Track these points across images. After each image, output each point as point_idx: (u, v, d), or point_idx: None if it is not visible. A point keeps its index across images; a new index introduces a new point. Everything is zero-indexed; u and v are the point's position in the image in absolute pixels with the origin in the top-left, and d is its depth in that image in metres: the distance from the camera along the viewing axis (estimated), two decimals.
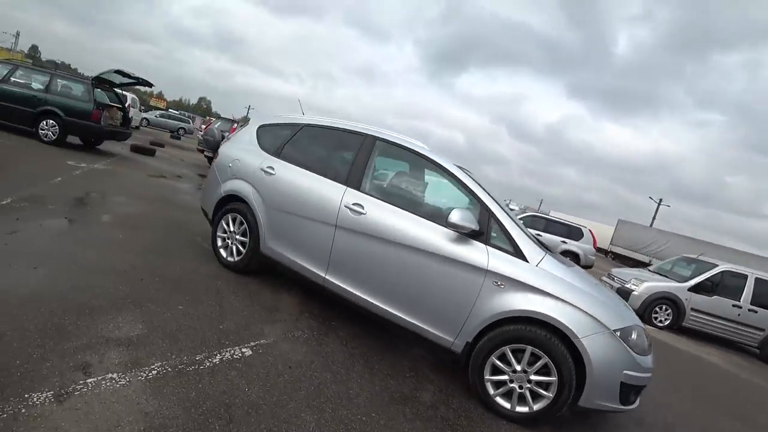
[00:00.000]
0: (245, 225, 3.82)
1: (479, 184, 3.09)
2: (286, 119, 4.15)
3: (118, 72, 7.95)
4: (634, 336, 2.61)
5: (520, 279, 2.62)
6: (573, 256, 11.74)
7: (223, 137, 10.92)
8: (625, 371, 2.52)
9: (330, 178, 3.47)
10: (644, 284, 7.99)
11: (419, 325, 2.85)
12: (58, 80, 7.82)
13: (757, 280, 7.87)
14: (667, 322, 7.83)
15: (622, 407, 2.60)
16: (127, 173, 7.40)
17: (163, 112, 28.23)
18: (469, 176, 3.17)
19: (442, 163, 3.19)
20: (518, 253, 2.72)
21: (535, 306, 2.57)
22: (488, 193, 3.04)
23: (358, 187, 3.31)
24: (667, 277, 8.59)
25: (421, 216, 2.99)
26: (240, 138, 4.24)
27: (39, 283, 2.62)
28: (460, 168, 3.25)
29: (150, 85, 8.60)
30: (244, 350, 2.56)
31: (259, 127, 4.16)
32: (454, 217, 2.71)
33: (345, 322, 3.41)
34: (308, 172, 3.60)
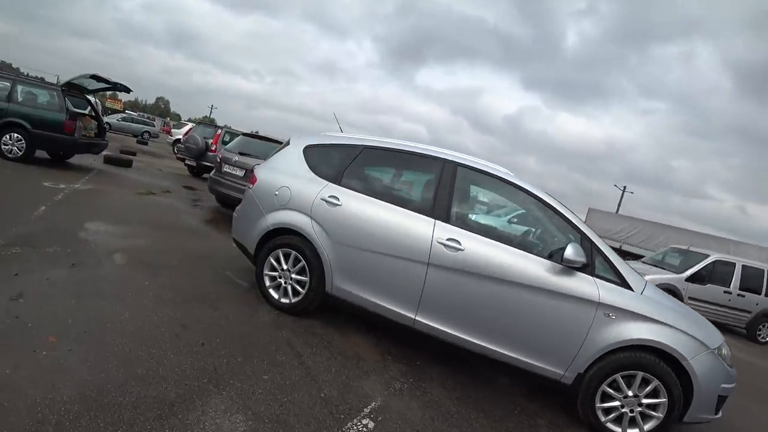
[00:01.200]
0: (303, 262, 3.21)
1: (571, 212, 2.87)
2: (337, 139, 3.55)
3: (94, 77, 6.84)
4: (725, 351, 2.76)
5: (630, 309, 2.60)
6: None
7: (206, 144, 9.93)
8: (722, 385, 2.66)
9: (412, 210, 3.02)
10: (646, 277, 8.09)
11: (525, 360, 2.72)
12: (21, 87, 6.58)
13: (744, 267, 8.30)
14: None
15: (716, 417, 2.74)
16: (112, 192, 6.38)
17: (124, 115, 25.63)
18: (560, 203, 2.93)
19: (533, 192, 2.95)
20: (624, 283, 2.69)
21: (646, 334, 2.58)
22: (583, 222, 2.85)
23: (447, 220, 2.91)
24: (663, 268, 8.75)
25: (519, 248, 2.79)
26: (282, 160, 3.58)
27: (83, 375, 1.91)
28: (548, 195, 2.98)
29: (128, 90, 7.51)
30: (364, 421, 2.18)
31: (306, 148, 3.52)
32: (570, 252, 2.57)
33: (427, 360, 3.11)
34: (382, 202, 3.10)
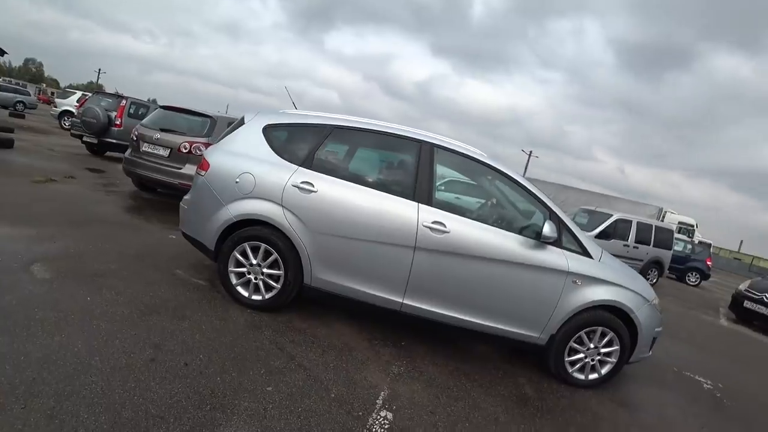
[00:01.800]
0: (275, 255, 2.95)
1: (537, 189, 3.06)
2: (301, 118, 3.22)
3: None
4: (656, 301, 3.24)
5: (592, 275, 2.94)
6: None
7: (109, 118, 8.45)
8: (655, 329, 3.17)
9: (392, 194, 2.93)
10: None
11: (506, 329, 2.93)
12: None
13: (638, 223, 9.81)
14: None
15: (649, 354, 3.26)
16: (1, 182, 5.15)
17: None
18: (528, 181, 3.11)
19: (506, 172, 3.07)
20: (585, 252, 2.99)
21: (606, 295, 2.95)
22: (550, 199, 3.06)
23: (430, 203, 2.90)
24: None
25: (496, 226, 2.93)
26: (239, 142, 3.14)
27: None
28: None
29: (2, 53, 5.89)
30: (383, 414, 2.19)
31: (267, 128, 3.13)
32: (547, 230, 2.79)
33: (411, 340, 3.19)
34: (361, 186, 2.94)
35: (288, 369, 2.37)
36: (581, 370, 3.07)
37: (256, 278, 3.03)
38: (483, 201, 3.32)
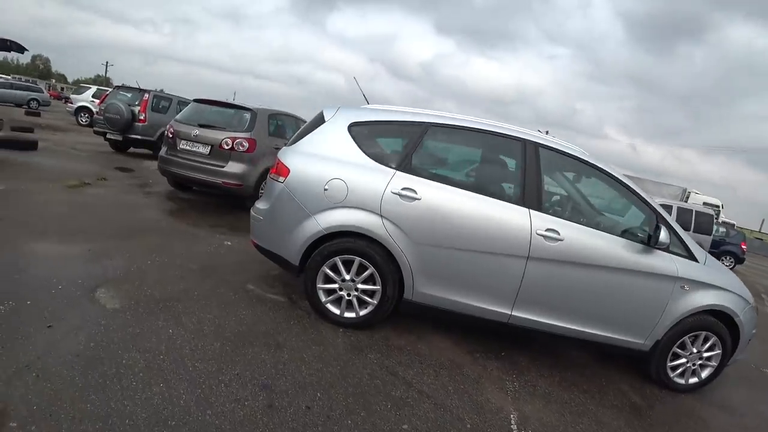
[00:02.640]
0: (371, 269, 2.56)
1: (643, 191, 2.80)
2: (390, 115, 2.79)
3: None
4: (753, 302, 3.03)
5: (700, 279, 2.73)
6: None
7: (132, 113, 7.99)
8: (753, 330, 2.96)
9: (500, 199, 2.57)
10: None
11: (613, 336, 2.73)
12: None
13: (678, 209, 9.65)
14: None
15: (746, 357, 3.12)
16: (34, 189, 4.72)
17: (2, 80, 19.51)
18: (633, 183, 2.79)
19: (612, 173, 2.78)
20: (691, 256, 2.77)
21: (712, 300, 2.75)
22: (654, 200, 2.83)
23: (540, 208, 2.55)
24: None
25: (606, 231, 2.69)
26: (322, 143, 2.70)
27: None
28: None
29: (22, 49, 5.42)
30: None
31: (352, 126, 2.68)
32: (663, 236, 2.55)
33: (510, 350, 2.95)
34: (468, 192, 2.55)
35: (411, 399, 2.09)
36: (682, 374, 2.88)
37: (349, 294, 2.65)
38: (587, 203, 2.94)
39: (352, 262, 2.59)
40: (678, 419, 2.59)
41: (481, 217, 2.53)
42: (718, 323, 2.78)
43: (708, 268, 2.79)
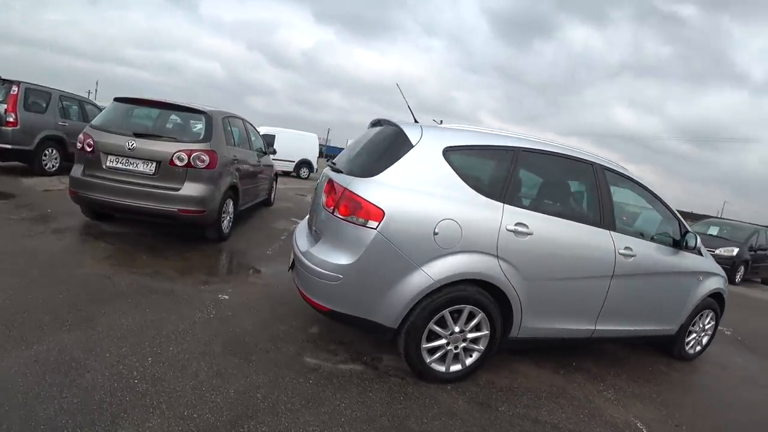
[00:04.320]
0: (480, 314, 2.29)
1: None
2: (482, 138, 2.46)
3: None
4: None
5: (707, 270, 3.29)
6: None
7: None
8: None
9: (586, 223, 2.61)
10: None
11: (656, 328, 3.11)
12: None
13: None
14: None
15: None
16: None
17: None
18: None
19: (652, 190, 3.03)
20: (699, 252, 3.22)
21: (715, 284, 3.35)
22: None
23: (615, 228, 2.69)
24: None
25: (654, 242, 2.97)
26: (417, 173, 2.20)
27: None
28: None
29: None
30: None
31: (448, 152, 2.25)
32: (693, 242, 3.01)
33: (577, 359, 3.07)
34: (563, 220, 2.50)
35: None
36: (692, 347, 3.48)
37: (456, 347, 2.32)
38: (638, 218, 3.27)
39: (460, 311, 2.25)
40: (701, 372, 3.42)
41: (578, 244, 2.52)
42: (714, 302, 3.41)
43: (708, 260, 3.33)
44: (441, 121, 2.58)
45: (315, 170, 15.59)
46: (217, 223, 4.21)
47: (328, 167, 2.74)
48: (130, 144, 3.67)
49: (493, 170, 2.38)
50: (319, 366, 2.31)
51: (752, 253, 9.57)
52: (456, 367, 2.36)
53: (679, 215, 3.11)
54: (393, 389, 2.22)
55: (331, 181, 2.39)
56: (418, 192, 2.16)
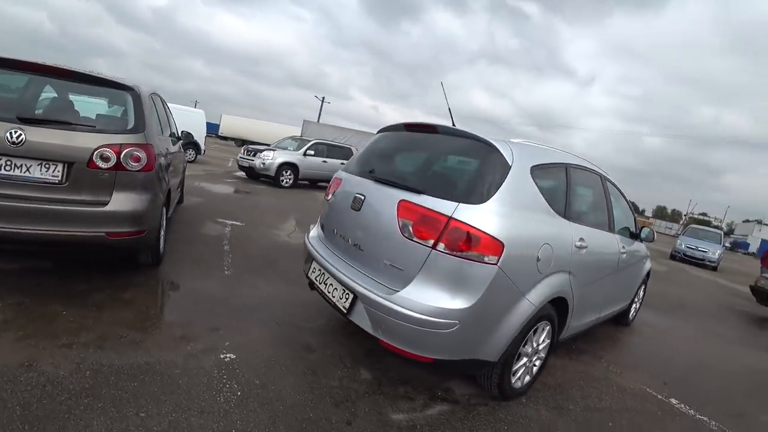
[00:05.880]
0: (549, 326, 2.41)
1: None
2: (551, 155, 2.47)
3: None
4: None
5: (645, 253, 4.00)
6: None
7: None
8: None
9: (605, 230, 2.96)
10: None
11: (622, 306, 3.70)
12: None
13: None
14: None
15: None
16: None
17: None
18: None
19: (620, 189, 3.42)
20: (641, 239, 3.58)
21: (649, 264, 4.23)
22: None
23: (615, 231, 3.14)
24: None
25: (627, 236, 3.37)
26: (516, 197, 2.02)
27: None
28: None
29: None
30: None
31: (534, 171, 2.15)
32: (650, 235, 3.53)
33: (575, 344, 3.41)
34: (596, 229, 2.76)
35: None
36: (633, 315, 4.22)
37: (531, 363, 2.36)
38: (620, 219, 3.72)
39: (537, 329, 2.28)
40: (638, 332, 4.12)
41: (605, 251, 2.87)
42: (646, 277, 4.21)
43: (644, 245, 3.82)
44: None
45: (203, 152, 13.08)
46: (156, 244, 3.10)
47: (360, 177, 2.36)
48: (15, 135, 2.28)
49: (556, 187, 2.39)
50: (412, 420, 2.00)
51: None
52: (527, 380, 2.41)
53: (633, 213, 3.66)
54: (490, 419, 2.12)
55: (409, 204, 2.01)
56: (521, 218, 2.00)
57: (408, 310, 1.84)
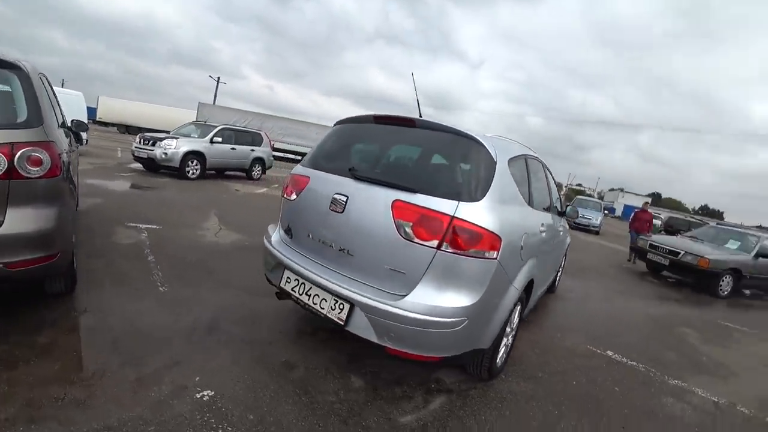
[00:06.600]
0: (519, 305, 2.62)
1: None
2: (519, 147, 2.64)
3: None
4: None
5: (567, 228, 4.46)
6: (260, 162, 11.45)
7: None
8: None
9: (550, 212, 3.25)
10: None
11: (552, 279, 4.20)
12: None
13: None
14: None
15: None
16: None
17: None
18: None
19: (551, 172, 3.74)
20: (564, 215, 3.98)
21: (569, 237, 4.84)
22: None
23: (551, 210, 3.43)
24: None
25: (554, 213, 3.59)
26: (503, 191, 2.09)
27: None
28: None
29: None
30: None
31: (509, 163, 2.26)
32: (573, 212, 3.96)
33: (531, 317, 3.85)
34: (547, 213, 3.11)
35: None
36: (558, 283, 4.91)
37: (508, 342, 2.55)
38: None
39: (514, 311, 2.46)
40: (565, 298, 4.72)
41: (552, 231, 3.17)
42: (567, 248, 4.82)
43: (564, 221, 4.28)
44: None
45: (85, 142, 10.61)
46: (71, 267, 2.47)
47: (336, 175, 2.21)
48: None
49: (523, 178, 2.52)
50: (421, 419, 2.00)
51: None
52: (504, 358, 2.59)
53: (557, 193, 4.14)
54: (484, 400, 2.24)
55: (405, 204, 1.93)
56: (508, 211, 2.09)
57: (420, 314, 1.80)
